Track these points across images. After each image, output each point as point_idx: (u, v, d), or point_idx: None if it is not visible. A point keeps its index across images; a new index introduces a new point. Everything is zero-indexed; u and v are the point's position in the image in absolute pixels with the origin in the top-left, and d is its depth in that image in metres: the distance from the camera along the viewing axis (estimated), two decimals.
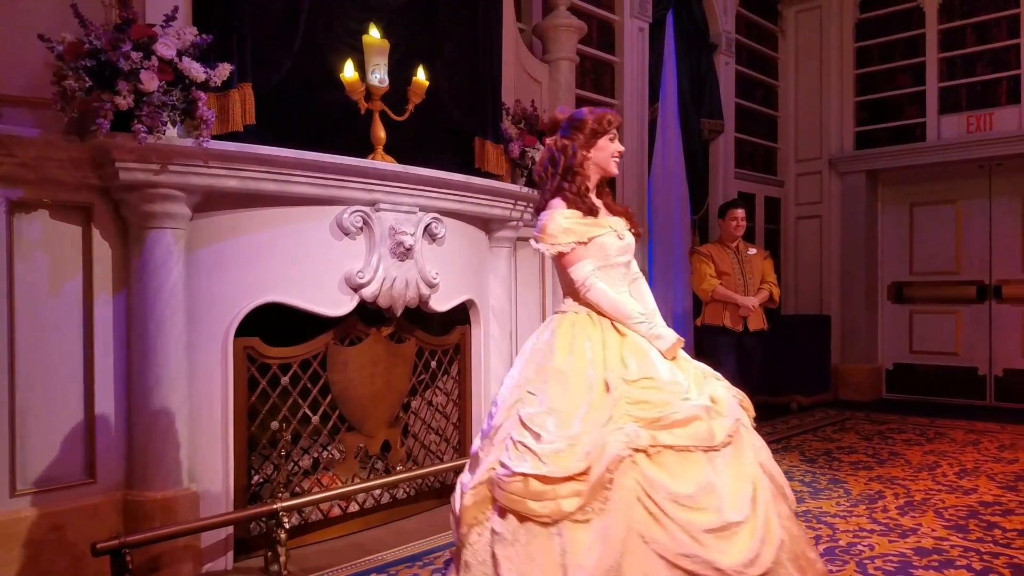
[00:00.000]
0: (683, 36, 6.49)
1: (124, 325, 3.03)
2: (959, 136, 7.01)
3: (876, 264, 7.74)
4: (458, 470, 4.12)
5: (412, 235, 3.59)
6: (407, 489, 3.93)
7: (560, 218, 2.52)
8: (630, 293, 2.64)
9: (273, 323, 3.34)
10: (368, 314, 3.65)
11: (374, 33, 3.51)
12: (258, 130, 3.19)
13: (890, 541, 3.44)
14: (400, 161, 3.59)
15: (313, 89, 3.50)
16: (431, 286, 3.75)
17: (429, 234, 3.75)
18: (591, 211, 2.56)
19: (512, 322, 4.56)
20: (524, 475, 2.19)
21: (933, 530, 3.57)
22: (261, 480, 3.49)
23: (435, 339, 4.10)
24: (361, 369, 3.68)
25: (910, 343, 7.64)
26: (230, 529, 3.21)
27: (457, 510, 2.39)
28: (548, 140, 2.69)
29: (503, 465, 2.27)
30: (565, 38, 5.07)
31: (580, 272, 2.49)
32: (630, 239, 2.66)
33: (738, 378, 5.44)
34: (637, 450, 2.20)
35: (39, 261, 2.87)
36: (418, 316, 3.92)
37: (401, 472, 3.83)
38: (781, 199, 7.91)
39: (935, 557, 3.22)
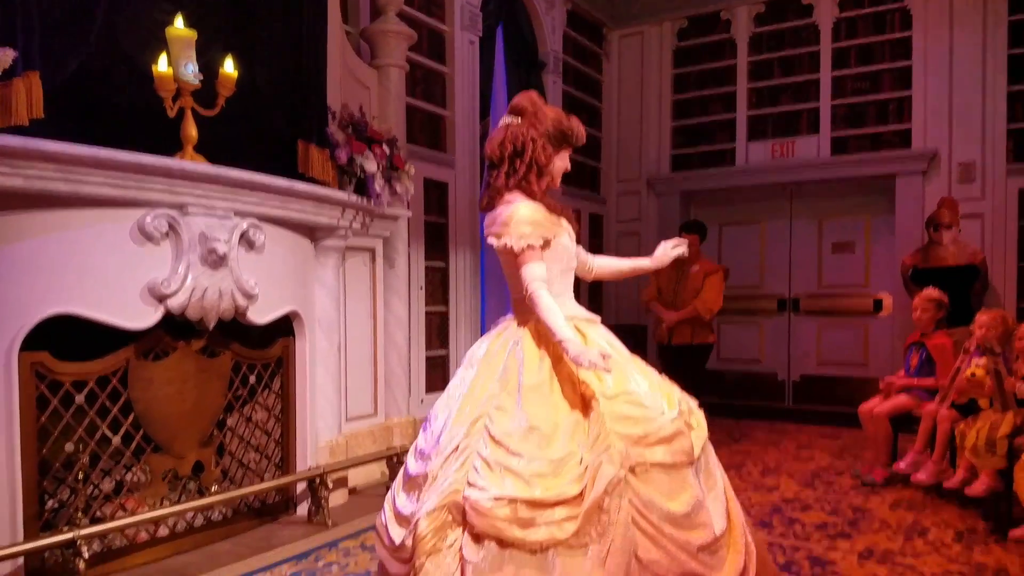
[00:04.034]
0: (512, 52, 6.63)
1: None
2: (765, 161, 7.60)
3: None
4: (281, 488, 3.98)
5: (226, 242, 3.39)
6: (223, 510, 3.72)
7: (527, 209, 2.35)
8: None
9: (68, 336, 3.05)
10: (176, 326, 3.41)
11: (179, 24, 3.28)
12: (50, 126, 2.88)
13: None
14: (216, 163, 3.38)
15: (115, 84, 3.22)
16: (249, 296, 3.56)
17: (246, 241, 3.55)
18: (551, 208, 2.43)
19: (341, 335, 4.43)
20: (511, 499, 2.03)
21: None
22: (56, 506, 3.18)
23: (254, 352, 3.90)
24: (168, 386, 3.43)
25: (718, 351, 8.13)
26: (19, 561, 2.90)
27: (398, 539, 2.19)
28: (508, 121, 2.48)
29: (475, 486, 2.09)
30: (394, 44, 5.00)
31: (533, 272, 2.30)
32: (574, 242, 2.55)
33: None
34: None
35: None
36: (235, 328, 3.71)
37: (216, 493, 3.61)
38: (604, 216, 8.26)
39: None
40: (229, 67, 3.46)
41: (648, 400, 2.26)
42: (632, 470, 2.13)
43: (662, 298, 5.90)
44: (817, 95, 7.34)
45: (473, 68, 6.09)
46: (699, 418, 2.38)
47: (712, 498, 2.25)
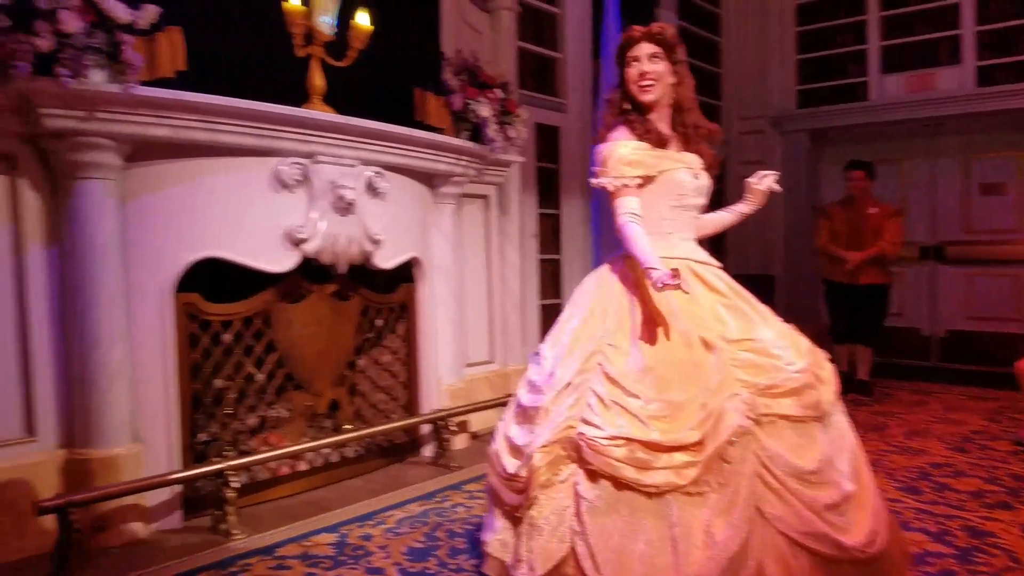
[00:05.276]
0: None
1: (59, 278, 2.90)
2: (900, 96, 7.05)
3: None
4: (408, 430, 4.13)
5: (353, 189, 3.49)
6: (356, 448, 3.89)
7: (624, 148, 2.33)
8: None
9: (214, 278, 3.24)
10: (311, 271, 3.57)
11: None
12: (190, 76, 3.05)
13: None
14: (338, 111, 3.48)
15: (249, 34, 3.35)
16: (375, 242, 3.67)
17: (371, 189, 3.65)
18: (660, 142, 2.38)
19: (458, 281, 4.50)
20: (628, 439, 2.01)
21: (885, 491, 3.48)
22: (207, 439, 3.40)
23: (380, 297, 4.04)
24: (305, 327, 3.60)
25: None
26: (177, 488, 3.14)
27: (512, 469, 2.20)
28: None
29: (590, 424, 2.07)
30: None
31: (625, 205, 2.29)
32: (705, 180, 2.47)
33: (846, 329, 5.68)
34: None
35: None
36: (362, 273, 3.84)
37: (351, 431, 3.77)
38: (725, 158, 7.92)
39: None
40: (364, 20, 3.52)
41: (775, 349, 2.18)
42: (757, 421, 2.06)
43: (839, 240, 5.76)
44: (956, 22, 6.72)
45: (585, 7, 5.93)
46: (829, 372, 2.28)
47: (842, 456, 2.15)
